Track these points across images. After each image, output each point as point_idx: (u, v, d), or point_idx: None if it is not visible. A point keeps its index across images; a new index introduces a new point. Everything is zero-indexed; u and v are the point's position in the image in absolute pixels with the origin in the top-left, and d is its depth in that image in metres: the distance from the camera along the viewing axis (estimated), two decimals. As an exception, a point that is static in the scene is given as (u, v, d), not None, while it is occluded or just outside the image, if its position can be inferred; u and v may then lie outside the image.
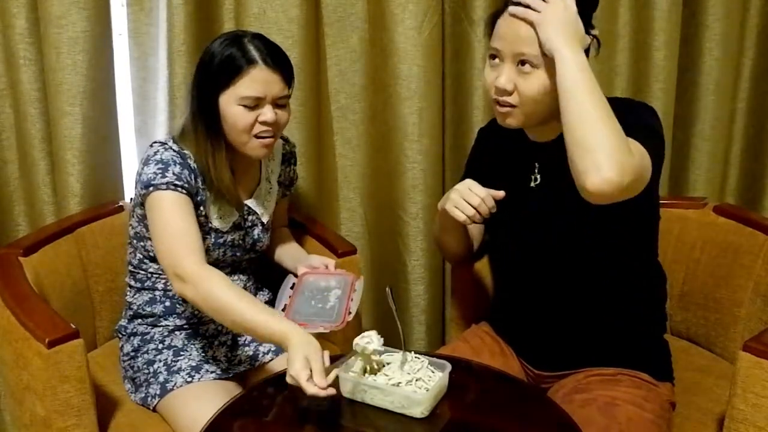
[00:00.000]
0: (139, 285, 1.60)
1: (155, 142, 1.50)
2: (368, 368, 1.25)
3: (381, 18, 1.96)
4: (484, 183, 1.42)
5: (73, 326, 1.32)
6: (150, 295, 1.59)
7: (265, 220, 1.65)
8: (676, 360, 1.49)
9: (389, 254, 2.16)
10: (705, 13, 2.14)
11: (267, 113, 1.45)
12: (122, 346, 1.60)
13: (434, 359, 1.29)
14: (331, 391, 1.16)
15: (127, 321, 1.62)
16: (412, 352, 1.30)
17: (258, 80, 1.43)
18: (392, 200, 2.10)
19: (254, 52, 1.43)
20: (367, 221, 2.18)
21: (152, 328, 1.58)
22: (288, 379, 1.19)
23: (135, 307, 1.60)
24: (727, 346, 1.66)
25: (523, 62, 1.28)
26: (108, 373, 1.61)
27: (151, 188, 1.42)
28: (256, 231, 1.63)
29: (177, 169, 1.43)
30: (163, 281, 1.57)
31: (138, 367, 1.53)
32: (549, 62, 1.25)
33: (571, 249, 1.39)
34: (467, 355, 1.47)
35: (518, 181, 1.45)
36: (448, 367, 1.26)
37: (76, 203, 1.79)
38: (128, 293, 1.63)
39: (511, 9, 1.29)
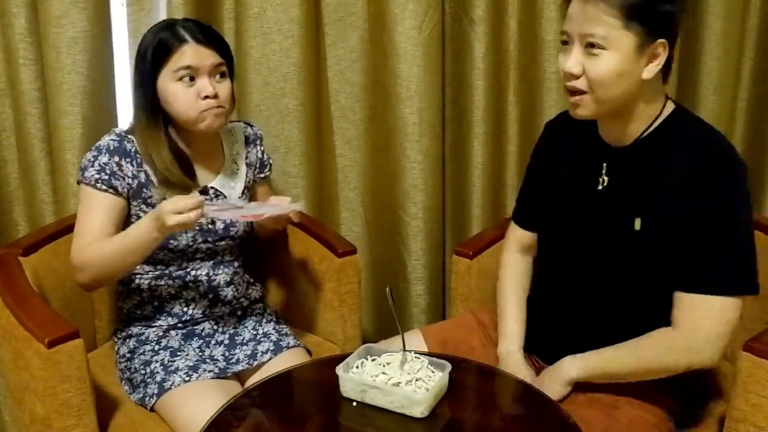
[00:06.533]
0: (125, 288, 1.60)
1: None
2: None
3: (381, 18, 1.96)
4: (550, 177, 1.40)
5: (73, 326, 1.31)
6: (138, 298, 1.58)
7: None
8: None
9: (389, 254, 2.16)
10: (705, 13, 2.14)
11: (206, 86, 1.46)
12: (118, 348, 1.60)
13: (434, 359, 1.29)
14: (201, 198, 1.35)
15: (122, 325, 1.62)
16: (412, 352, 1.30)
17: (189, 54, 1.44)
18: (392, 200, 2.10)
19: (183, 32, 1.45)
20: (367, 221, 2.18)
21: (147, 329, 1.58)
22: (175, 217, 1.31)
23: (126, 311, 1.61)
24: (727, 346, 1.66)
25: (590, 44, 1.21)
26: (108, 373, 1.61)
27: (80, 178, 1.48)
28: None
29: (105, 159, 1.46)
30: (147, 280, 1.57)
31: (135, 368, 1.53)
32: (618, 43, 1.19)
33: (621, 260, 1.32)
34: (461, 332, 1.49)
35: (585, 181, 1.38)
36: (448, 366, 1.25)
37: (75, 203, 1.78)
38: (119, 299, 1.63)
39: None
